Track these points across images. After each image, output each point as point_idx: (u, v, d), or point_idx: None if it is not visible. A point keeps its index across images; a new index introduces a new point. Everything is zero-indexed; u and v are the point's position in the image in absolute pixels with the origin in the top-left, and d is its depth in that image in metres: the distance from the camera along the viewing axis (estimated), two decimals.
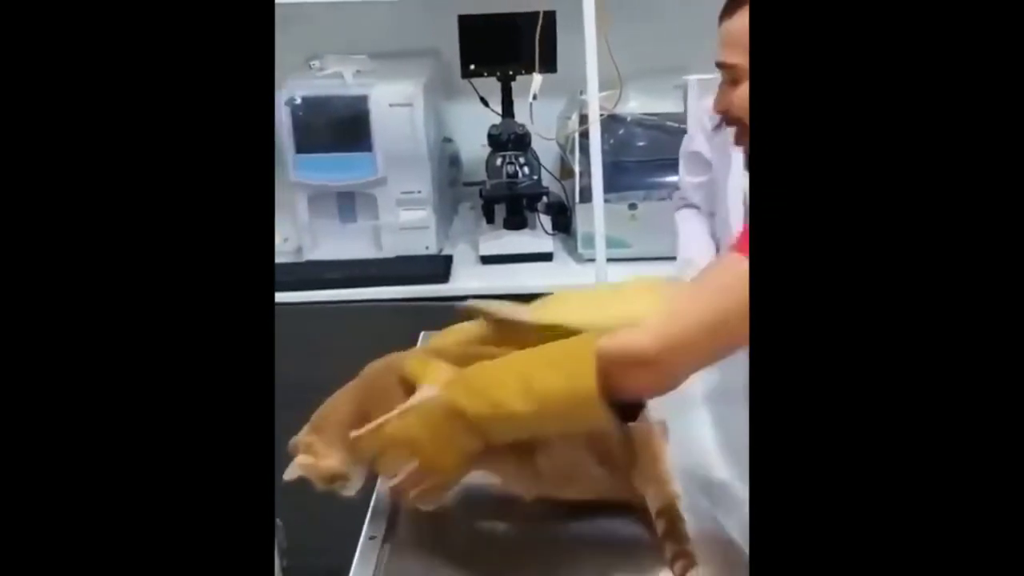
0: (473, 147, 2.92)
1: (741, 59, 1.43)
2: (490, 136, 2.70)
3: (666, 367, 1.15)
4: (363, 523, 1.44)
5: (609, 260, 2.52)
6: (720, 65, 1.48)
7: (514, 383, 1.21)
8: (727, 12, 1.48)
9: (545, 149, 2.86)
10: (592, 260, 2.53)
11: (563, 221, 2.85)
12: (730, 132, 2.14)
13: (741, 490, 1.43)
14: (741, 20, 1.43)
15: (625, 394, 1.19)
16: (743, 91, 1.44)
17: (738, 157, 2.14)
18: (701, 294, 1.18)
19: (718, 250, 2.19)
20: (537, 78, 2.34)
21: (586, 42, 2.33)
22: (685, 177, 2.36)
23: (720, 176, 2.22)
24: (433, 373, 1.30)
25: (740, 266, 1.08)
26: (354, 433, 1.28)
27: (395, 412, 1.26)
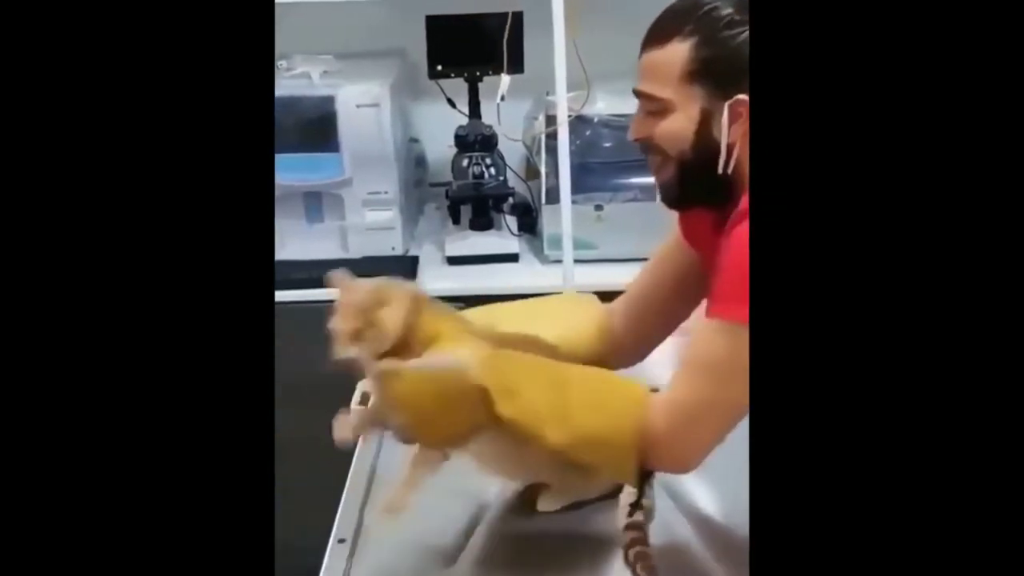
0: (440, 148, 2.92)
1: (672, 94, 1.31)
2: (457, 137, 2.70)
3: (680, 453, 1.27)
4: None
5: (576, 261, 2.52)
6: (642, 94, 1.35)
7: (551, 408, 1.26)
8: (656, 41, 1.34)
9: (511, 150, 2.87)
10: (558, 261, 2.53)
11: (529, 222, 2.85)
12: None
13: (709, 503, 1.45)
14: (674, 52, 1.30)
15: (653, 467, 1.31)
16: (672, 125, 1.32)
17: None
18: (696, 379, 1.26)
19: None
20: (505, 79, 2.34)
21: (555, 43, 2.33)
22: None
23: None
24: (462, 338, 1.30)
25: (723, 337, 1.20)
26: (381, 366, 1.26)
27: (413, 362, 1.25)
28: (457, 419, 1.27)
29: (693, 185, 1.36)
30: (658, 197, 1.46)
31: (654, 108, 1.33)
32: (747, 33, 1.26)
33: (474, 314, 1.49)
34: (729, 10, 1.29)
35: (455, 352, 1.27)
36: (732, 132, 1.29)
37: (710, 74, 1.29)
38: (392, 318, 1.25)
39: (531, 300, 1.75)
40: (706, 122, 1.31)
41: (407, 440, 1.29)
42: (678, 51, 1.29)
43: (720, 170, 1.31)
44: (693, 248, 1.52)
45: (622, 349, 1.61)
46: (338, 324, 1.25)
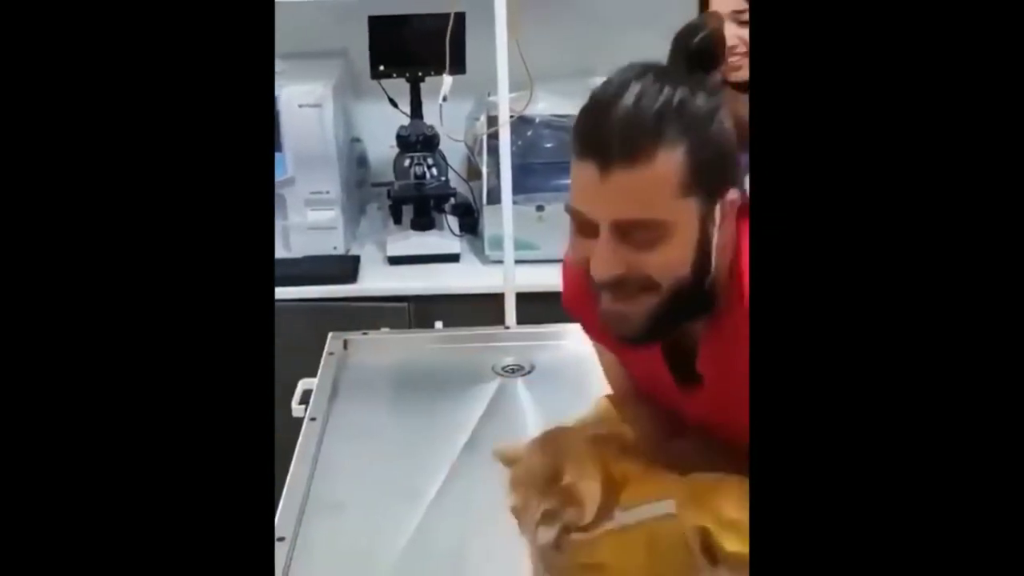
0: (382, 148, 2.92)
1: (670, 214, 1.07)
2: (399, 137, 2.70)
3: None
4: None
5: (517, 262, 2.53)
6: (626, 224, 1.08)
7: None
8: (634, 157, 1.06)
9: (453, 150, 2.87)
10: (499, 262, 2.53)
11: (470, 223, 2.86)
12: None
13: None
14: (665, 165, 1.06)
15: None
16: (672, 251, 1.09)
17: None
18: None
19: None
20: (447, 79, 2.35)
21: (496, 44, 2.33)
22: None
23: None
24: (655, 484, 1.17)
25: None
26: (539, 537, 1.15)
27: (613, 524, 1.13)
28: (676, 571, 1.12)
29: (679, 312, 1.14)
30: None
31: (646, 237, 1.08)
32: (728, 120, 1.11)
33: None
34: (702, 98, 1.10)
35: (654, 495, 1.14)
36: (723, 233, 1.12)
37: (705, 179, 1.09)
38: (590, 490, 1.13)
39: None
40: (705, 234, 1.10)
41: None
42: (669, 163, 1.06)
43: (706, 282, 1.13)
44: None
45: None
46: (524, 506, 1.15)
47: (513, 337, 2.12)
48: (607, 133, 1.07)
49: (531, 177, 2.66)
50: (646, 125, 1.06)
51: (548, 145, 2.71)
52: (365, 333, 2.09)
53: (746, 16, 2.02)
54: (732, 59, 2.02)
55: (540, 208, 2.66)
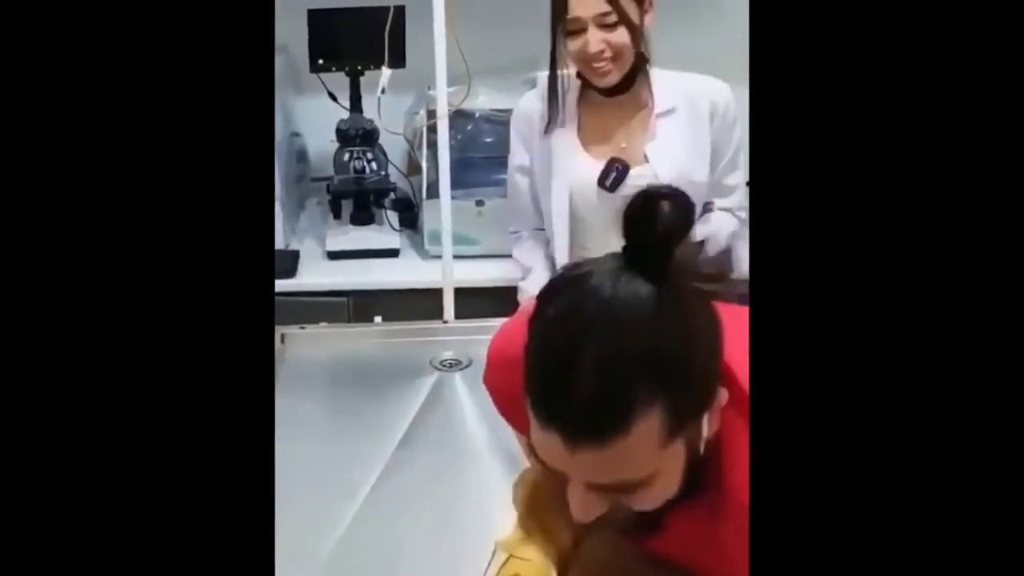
0: (321, 142, 2.90)
1: (654, 467, 0.95)
2: (338, 131, 2.68)
3: None
4: None
5: (456, 257, 2.52)
6: (607, 488, 0.97)
7: None
8: (609, 432, 0.90)
9: (393, 145, 2.86)
10: (439, 257, 2.52)
11: (410, 218, 2.85)
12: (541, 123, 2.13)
13: None
14: (645, 432, 0.91)
15: None
16: (659, 492, 0.98)
17: (564, 149, 2.15)
18: None
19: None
20: (386, 72, 2.33)
21: (435, 37, 2.32)
22: (515, 202, 2.35)
23: (543, 181, 2.22)
24: None
25: None
26: None
27: None
28: None
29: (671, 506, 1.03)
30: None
31: (628, 488, 0.97)
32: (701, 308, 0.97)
33: None
34: (661, 333, 0.92)
35: None
36: (709, 430, 1.00)
37: (689, 417, 0.96)
38: None
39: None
40: (693, 455, 0.99)
41: None
42: (646, 428, 0.92)
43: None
44: None
45: None
46: None
47: (451, 332, 2.11)
48: (568, 412, 0.92)
49: (471, 171, 2.65)
50: (614, 400, 0.91)
51: (488, 139, 2.70)
52: (303, 327, 2.07)
53: (611, 19, 1.97)
54: (599, 65, 2.04)
55: (480, 203, 2.65)
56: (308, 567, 1.38)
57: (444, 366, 1.92)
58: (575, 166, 2.14)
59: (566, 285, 0.96)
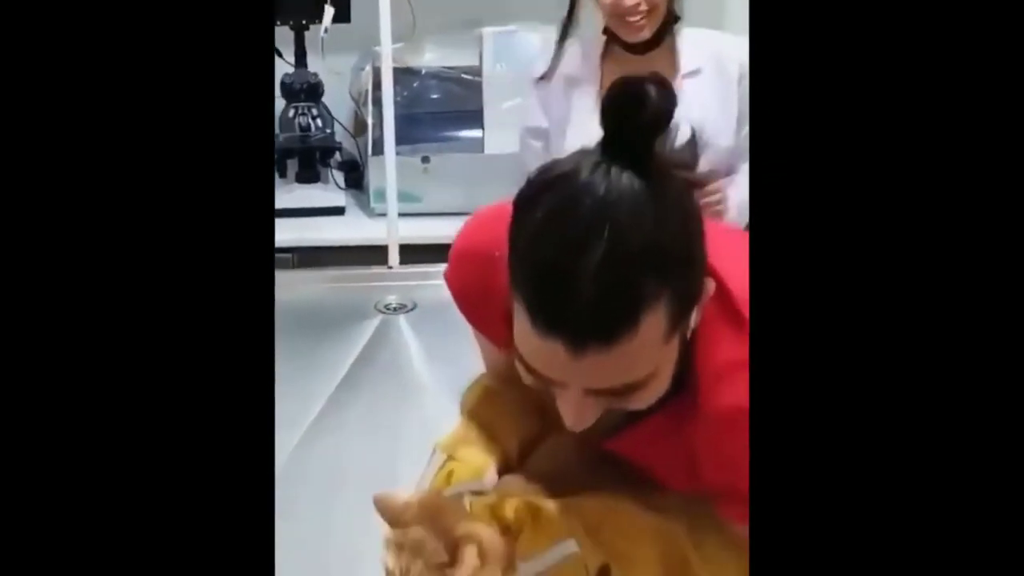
0: None
1: (656, 364, 0.93)
2: (282, 85, 2.65)
3: None
4: None
5: (401, 215, 2.50)
6: (605, 392, 0.94)
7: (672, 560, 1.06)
8: (615, 332, 0.88)
9: (339, 104, 2.84)
10: (384, 215, 2.50)
11: (355, 178, 2.83)
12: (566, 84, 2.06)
13: None
14: (650, 328, 0.89)
15: None
16: (654, 390, 0.95)
17: (584, 108, 2.06)
18: None
19: None
20: (328, 11, 2.29)
21: None
22: (525, 167, 2.27)
23: (557, 142, 2.14)
24: (549, 524, 1.06)
25: None
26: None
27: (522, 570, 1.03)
28: None
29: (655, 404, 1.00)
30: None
31: (623, 391, 0.94)
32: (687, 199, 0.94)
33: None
34: (660, 225, 0.88)
35: (553, 536, 1.05)
36: (695, 321, 0.96)
37: (687, 309, 0.93)
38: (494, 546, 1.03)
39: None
40: (683, 349, 0.97)
41: None
42: (653, 324, 0.88)
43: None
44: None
45: None
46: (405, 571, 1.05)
47: (396, 277, 2.10)
48: (572, 317, 0.87)
49: (417, 128, 2.64)
50: (621, 300, 0.87)
51: (434, 96, 2.69)
52: None
53: None
54: (633, 19, 1.94)
55: (426, 159, 2.63)
56: None
57: (388, 310, 1.90)
58: (594, 125, 2.08)
59: (550, 186, 0.90)
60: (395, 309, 1.90)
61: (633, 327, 0.87)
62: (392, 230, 2.44)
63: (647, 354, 0.90)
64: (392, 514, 1.03)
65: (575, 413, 0.95)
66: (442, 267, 1.89)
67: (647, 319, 0.87)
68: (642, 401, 0.95)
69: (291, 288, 2.04)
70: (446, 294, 1.86)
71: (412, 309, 1.89)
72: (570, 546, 1.02)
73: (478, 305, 1.13)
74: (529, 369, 0.94)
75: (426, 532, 1.01)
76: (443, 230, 2.51)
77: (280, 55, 2.68)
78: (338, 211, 2.70)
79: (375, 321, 1.86)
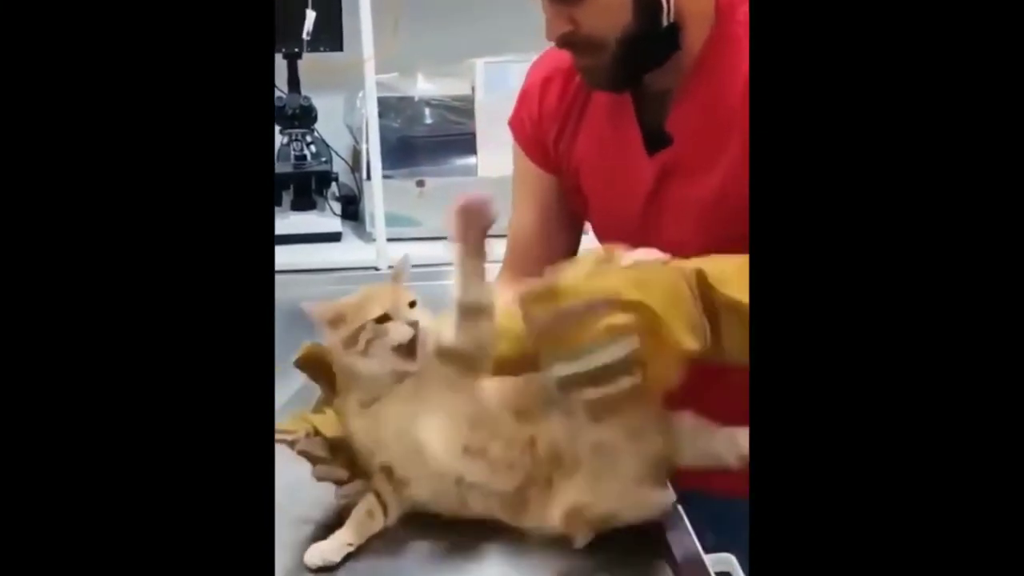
0: None
1: None
2: (275, 108, 2.66)
3: None
4: None
5: (397, 239, 2.50)
6: None
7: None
8: None
9: (337, 137, 2.87)
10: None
11: (352, 211, 2.82)
12: None
13: None
14: None
15: None
16: (603, 1, 1.17)
17: None
18: None
19: None
20: (311, 15, 2.29)
21: (360, 10, 2.31)
22: None
23: None
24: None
25: None
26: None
27: (629, 257, 0.97)
28: (688, 323, 0.95)
29: (640, 56, 1.21)
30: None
31: None
32: None
33: None
34: None
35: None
36: None
37: None
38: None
39: None
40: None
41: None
42: None
43: (666, 20, 1.18)
44: (547, 167, 1.43)
45: None
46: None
47: (384, 279, 2.08)
48: None
49: (411, 152, 2.65)
50: None
51: (428, 122, 2.70)
52: None
53: None
54: None
55: (420, 183, 2.63)
56: None
57: None
58: None
59: None
60: None
61: None
62: (382, 253, 2.44)
63: None
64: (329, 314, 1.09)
65: (548, 20, 1.19)
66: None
67: None
68: (599, 15, 1.16)
69: (284, 291, 2.03)
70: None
71: None
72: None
73: (530, 135, 1.42)
74: None
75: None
76: (438, 253, 2.51)
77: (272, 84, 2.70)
78: (335, 237, 2.69)
79: None
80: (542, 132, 1.41)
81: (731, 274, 0.96)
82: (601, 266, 0.97)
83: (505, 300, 1.17)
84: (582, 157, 1.39)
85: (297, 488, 1.08)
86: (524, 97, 1.45)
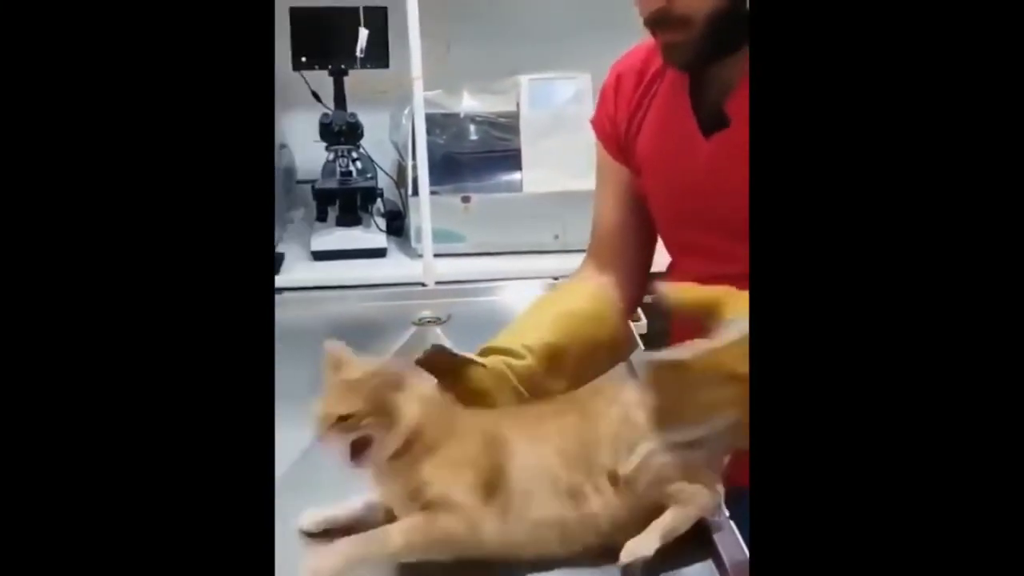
0: (308, 154, 2.90)
1: None
2: (322, 125, 2.66)
3: None
4: None
5: (443, 255, 2.51)
6: None
7: None
8: None
9: (382, 153, 2.88)
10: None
11: (397, 226, 2.83)
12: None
13: None
14: None
15: None
16: None
17: None
18: None
19: None
20: (363, 32, 2.30)
21: (409, 28, 2.31)
22: None
23: None
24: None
25: None
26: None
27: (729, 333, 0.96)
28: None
29: (723, 36, 1.27)
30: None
31: None
32: None
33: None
34: None
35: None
36: None
37: None
38: (408, 406, 1.03)
39: (532, 309, 1.44)
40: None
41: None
42: None
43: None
44: (620, 159, 1.51)
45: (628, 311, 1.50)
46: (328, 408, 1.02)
47: (431, 295, 2.09)
48: None
49: (457, 168, 2.66)
50: None
51: (474, 138, 2.71)
52: (279, 292, 2.05)
53: None
54: None
55: (466, 199, 2.64)
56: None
57: (422, 322, 1.89)
58: None
59: None
60: (429, 322, 1.88)
61: None
62: (428, 268, 2.44)
63: None
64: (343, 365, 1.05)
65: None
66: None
67: None
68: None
69: (322, 305, 2.04)
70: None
71: (446, 321, 1.87)
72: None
73: (608, 132, 1.50)
74: None
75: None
76: (483, 268, 2.52)
77: (318, 99, 2.71)
78: (379, 253, 2.70)
79: (408, 331, 1.85)
80: (616, 128, 1.50)
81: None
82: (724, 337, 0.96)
83: (596, 283, 1.46)
84: (644, 146, 1.45)
85: None
86: (602, 96, 1.54)
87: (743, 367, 0.90)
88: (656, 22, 1.27)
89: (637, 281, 1.52)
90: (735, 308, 0.98)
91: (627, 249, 1.52)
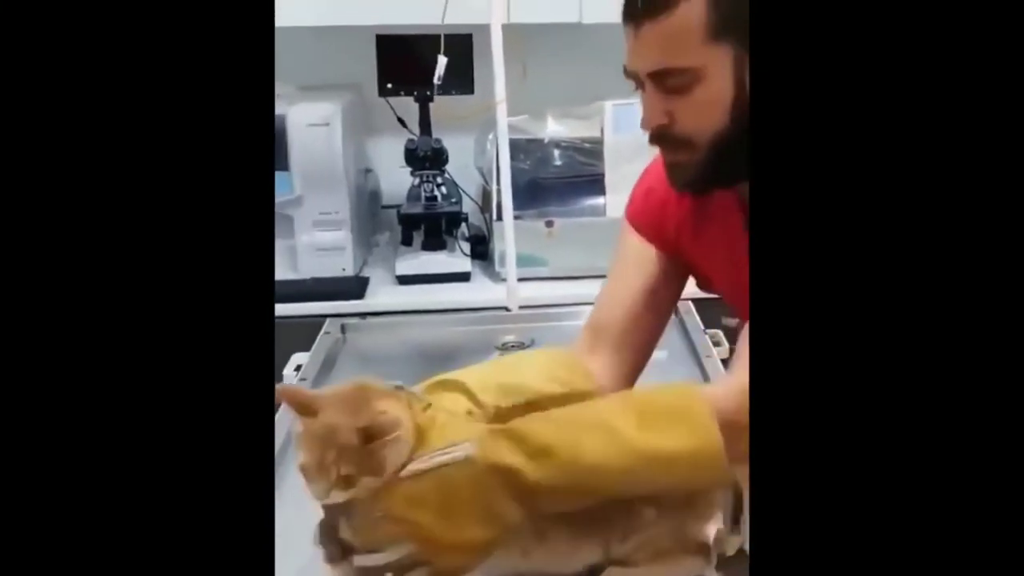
0: (394, 178, 2.94)
1: (700, 59, 1.13)
2: (407, 151, 2.68)
3: None
4: None
5: (526, 279, 2.51)
6: (658, 74, 1.16)
7: (598, 440, 1.04)
8: (654, 11, 1.14)
9: (467, 178, 2.90)
10: None
11: (482, 251, 2.84)
12: None
13: None
14: (687, 15, 1.12)
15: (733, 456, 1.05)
16: (705, 95, 1.15)
17: None
18: None
19: None
20: (442, 60, 2.32)
21: (493, 55, 2.32)
22: None
23: None
24: (457, 428, 1.07)
25: None
26: (331, 498, 1.01)
27: (407, 470, 1.01)
28: (476, 519, 1.01)
29: (728, 163, 1.18)
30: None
31: (676, 83, 1.15)
32: None
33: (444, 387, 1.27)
34: None
35: (452, 440, 1.04)
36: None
37: (737, 26, 1.11)
38: (394, 454, 1.01)
39: (498, 361, 1.52)
40: (742, 81, 1.14)
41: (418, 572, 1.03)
42: (690, 11, 1.12)
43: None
44: (664, 251, 1.43)
45: (603, 388, 1.36)
46: (318, 465, 1.00)
47: (515, 319, 2.09)
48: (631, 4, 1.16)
49: (541, 193, 2.67)
50: None
51: (557, 163, 2.72)
52: (363, 317, 2.07)
53: None
54: None
55: (549, 224, 2.65)
56: None
57: (506, 347, 1.89)
58: None
59: None
60: (513, 347, 1.89)
61: (666, 7, 1.12)
62: (512, 292, 2.44)
63: (688, 40, 1.13)
64: (301, 403, 1.03)
65: (646, 106, 1.19)
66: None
67: (682, 7, 1.12)
68: (699, 110, 1.16)
69: (407, 329, 2.05)
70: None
71: (530, 345, 1.88)
72: (464, 449, 1.02)
73: (645, 220, 1.44)
74: (628, 77, 1.21)
75: (338, 416, 1.01)
76: (566, 293, 2.52)
77: (404, 124, 2.73)
78: (464, 277, 2.71)
79: (492, 356, 1.86)
80: (665, 219, 1.43)
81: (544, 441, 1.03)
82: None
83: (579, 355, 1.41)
84: (704, 247, 1.41)
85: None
86: (645, 184, 1.48)
87: (404, 510, 1.01)
88: (657, 140, 1.22)
89: (634, 363, 1.44)
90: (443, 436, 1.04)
91: (628, 334, 1.44)
